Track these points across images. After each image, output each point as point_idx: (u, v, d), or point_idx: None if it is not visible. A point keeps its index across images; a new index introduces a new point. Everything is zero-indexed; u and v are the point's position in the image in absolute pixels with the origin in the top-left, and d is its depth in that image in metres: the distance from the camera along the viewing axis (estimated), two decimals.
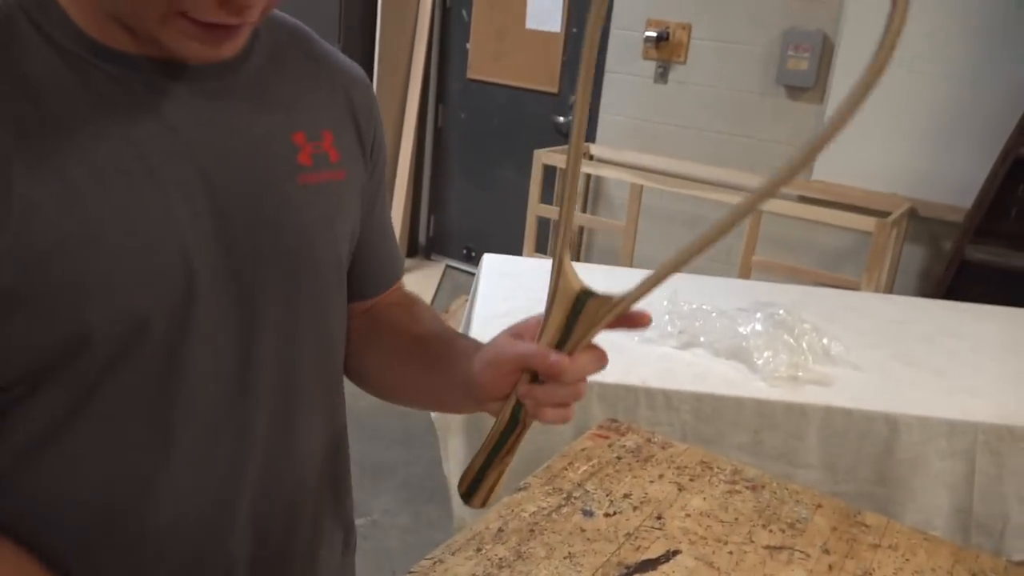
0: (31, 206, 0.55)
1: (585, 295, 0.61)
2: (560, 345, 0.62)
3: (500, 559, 0.91)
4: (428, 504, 2.50)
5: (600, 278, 0.70)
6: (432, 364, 0.76)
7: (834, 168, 3.21)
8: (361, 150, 0.75)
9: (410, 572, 0.88)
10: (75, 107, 0.58)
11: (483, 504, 0.70)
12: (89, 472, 0.62)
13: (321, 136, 0.70)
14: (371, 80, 3.46)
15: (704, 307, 1.78)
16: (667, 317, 1.74)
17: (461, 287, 4.15)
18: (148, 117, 0.60)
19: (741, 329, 1.68)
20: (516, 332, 0.66)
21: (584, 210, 3.84)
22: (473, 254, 4.33)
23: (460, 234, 4.44)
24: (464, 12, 4.10)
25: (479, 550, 0.92)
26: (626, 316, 0.61)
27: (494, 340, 0.68)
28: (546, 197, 3.58)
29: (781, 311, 1.74)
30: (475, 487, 0.70)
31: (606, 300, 0.61)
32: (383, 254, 0.84)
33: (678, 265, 0.58)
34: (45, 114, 0.56)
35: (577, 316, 0.61)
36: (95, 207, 0.57)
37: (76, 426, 0.61)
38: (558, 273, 0.62)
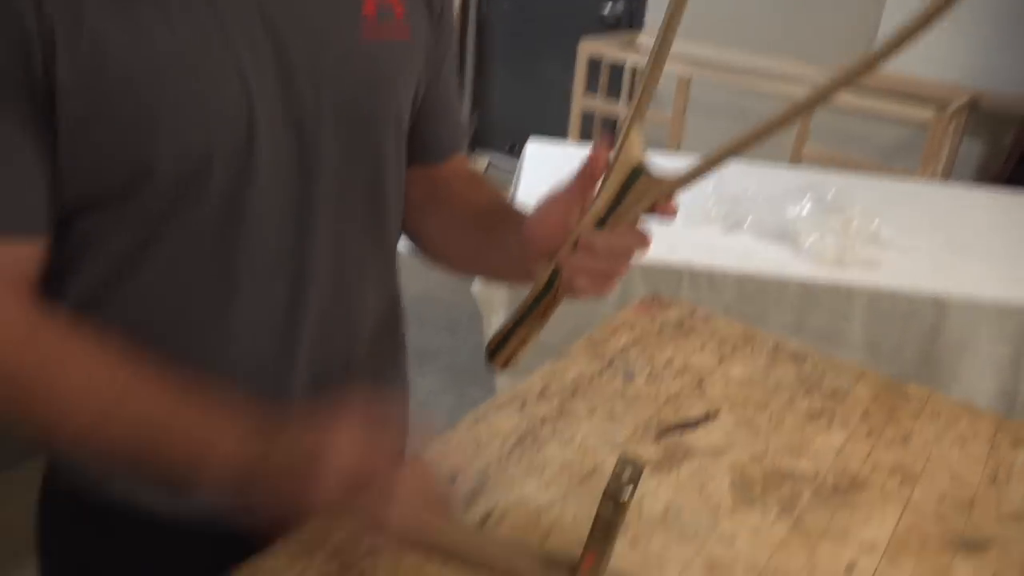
0: (102, 40, 0.56)
1: (640, 170, 0.60)
2: (606, 215, 0.62)
3: (543, 416, 0.93)
4: (472, 386, 2.57)
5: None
6: (489, 231, 0.76)
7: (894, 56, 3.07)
8: (428, 11, 0.74)
9: (454, 426, 0.91)
10: None
11: (505, 365, 0.72)
12: (159, 308, 0.66)
13: None
14: None
15: (750, 190, 1.75)
16: (712, 199, 1.72)
17: (505, 182, 4.13)
18: None
19: (788, 212, 1.66)
20: (562, 195, 0.66)
21: (630, 101, 3.75)
22: (516, 148, 4.29)
23: (503, 129, 4.38)
24: None
25: (522, 408, 0.95)
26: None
27: (545, 195, 0.68)
28: (591, 89, 3.51)
29: (831, 195, 1.71)
30: (501, 347, 0.71)
31: (657, 180, 0.60)
32: (447, 122, 0.84)
33: (731, 152, 0.57)
34: None
35: (628, 189, 0.61)
36: (162, 46, 0.58)
37: (145, 264, 0.64)
38: (622, 141, 0.61)
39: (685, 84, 3.19)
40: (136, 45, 0.57)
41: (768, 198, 1.73)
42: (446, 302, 2.85)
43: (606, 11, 3.78)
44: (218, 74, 0.60)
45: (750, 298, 1.52)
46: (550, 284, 0.66)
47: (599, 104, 3.55)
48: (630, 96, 3.76)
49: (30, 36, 0.55)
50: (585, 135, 3.60)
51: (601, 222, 0.62)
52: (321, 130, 0.67)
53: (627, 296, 1.50)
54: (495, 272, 0.83)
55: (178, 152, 0.60)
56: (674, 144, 3.28)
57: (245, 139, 0.62)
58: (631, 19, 3.73)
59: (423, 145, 0.82)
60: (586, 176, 0.64)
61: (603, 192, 0.62)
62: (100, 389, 0.60)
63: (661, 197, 0.60)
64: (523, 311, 0.69)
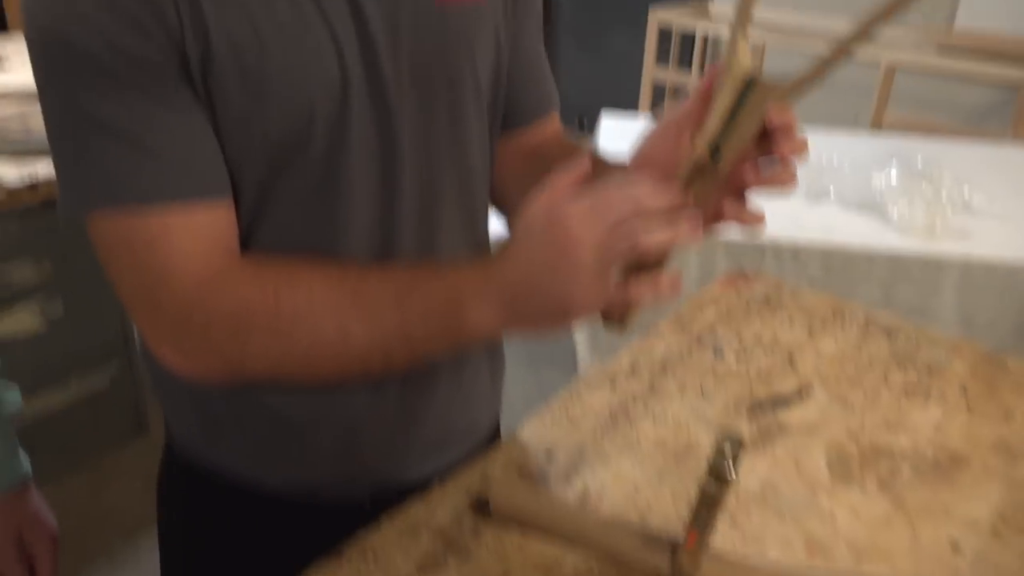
0: (213, 20, 0.59)
1: (753, 79, 0.57)
2: (721, 133, 0.58)
3: (634, 394, 0.94)
4: (549, 367, 2.58)
5: None
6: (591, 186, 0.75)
7: (978, 12, 2.94)
8: None
9: (548, 405, 0.92)
10: None
11: (621, 324, 0.69)
12: None
13: None
14: None
15: (834, 158, 1.70)
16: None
17: None
18: None
19: (874, 181, 1.61)
20: (669, 124, 0.64)
21: (702, 71, 3.68)
22: (585, 122, 4.26)
23: (572, 103, 4.35)
24: None
25: (613, 386, 0.95)
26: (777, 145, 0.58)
27: (646, 134, 0.66)
28: (661, 59, 3.45)
29: (919, 162, 1.65)
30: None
31: (772, 87, 0.57)
32: (534, 85, 0.83)
33: (848, 47, 0.54)
34: None
35: (743, 102, 0.57)
36: (263, 22, 0.60)
37: (254, 235, 0.67)
38: (730, 52, 0.58)
39: (760, 52, 3.11)
40: (241, 22, 0.60)
41: (852, 167, 1.68)
42: None
43: None
44: (315, 44, 0.63)
45: (836, 272, 1.49)
46: None
47: (670, 75, 3.49)
48: (702, 66, 3.69)
49: (165, 11, 0.57)
50: (656, 107, 3.55)
51: (715, 147, 0.58)
52: (402, 96, 0.68)
53: (710, 271, 1.49)
54: None
55: (286, 117, 0.63)
56: None
57: (340, 105, 0.64)
58: None
59: (511, 110, 0.82)
60: (698, 98, 0.61)
61: (715, 109, 0.58)
62: (334, 295, 0.62)
63: (777, 105, 0.57)
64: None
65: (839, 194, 1.63)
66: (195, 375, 0.66)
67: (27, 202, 1.57)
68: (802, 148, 0.58)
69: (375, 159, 0.68)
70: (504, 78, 0.77)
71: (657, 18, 3.32)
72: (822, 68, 0.55)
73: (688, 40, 3.60)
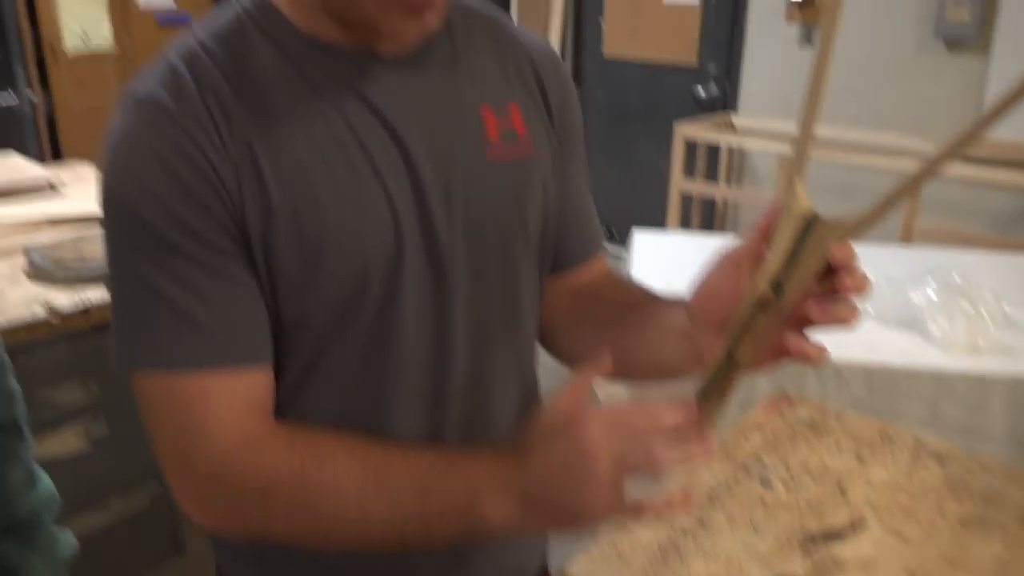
0: (273, 181, 0.63)
1: (813, 217, 0.59)
2: (782, 271, 0.59)
3: (683, 527, 0.93)
4: None
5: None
6: (646, 323, 0.75)
7: (1006, 120, 2.99)
8: (549, 122, 0.78)
9: (596, 538, 0.91)
10: (298, 97, 0.65)
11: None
12: (320, 420, 0.70)
13: (508, 110, 0.74)
14: None
15: (870, 276, 1.71)
16: None
17: None
18: (356, 100, 0.66)
19: (913, 297, 1.61)
20: (729, 260, 0.65)
21: (728, 182, 3.75)
22: (615, 233, 4.32)
23: (601, 214, 4.41)
24: None
25: (661, 518, 0.94)
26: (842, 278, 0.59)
27: (706, 270, 0.67)
28: (687, 172, 3.53)
29: (956, 277, 1.65)
30: None
31: (834, 225, 0.58)
32: (580, 226, 0.85)
33: (918, 182, 0.56)
34: (274, 102, 0.65)
35: (804, 240, 0.58)
36: (321, 182, 0.64)
37: (309, 383, 0.69)
38: (788, 193, 0.60)
39: (787, 162, 3.17)
40: (301, 185, 0.64)
41: (889, 283, 1.69)
42: None
43: (700, 94, 3.82)
44: (370, 202, 0.66)
45: (880, 391, 1.47)
46: (729, 358, 0.62)
47: (697, 187, 3.56)
48: (728, 178, 3.76)
49: (226, 179, 0.62)
50: (685, 218, 3.60)
51: (777, 284, 0.59)
52: (454, 249, 0.71)
53: (752, 394, 1.48)
54: (656, 369, 0.78)
55: (341, 276, 0.66)
56: None
57: (394, 259, 0.67)
58: (725, 101, 3.76)
59: (559, 253, 0.83)
60: (757, 235, 0.62)
61: (776, 247, 0.59)
62: (358, 475, 0.63)
63: (839, 244, 0.57)
64: (702, 391, 0.64)
65: (878, 311, 1.63)
66: (217, 532, 0.68)
67: (79, 326, 1.62)
68: (865, 285, 0.59)
69: (428, 311, 0.70)
70: (552, 223, 0.80)
71: (682, 132, 3.41)
72: (883, 207, 0.56)
73: (714, 152, 3.69)
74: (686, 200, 3.57)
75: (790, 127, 3.43)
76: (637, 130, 4.13)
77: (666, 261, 2.04)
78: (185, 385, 0.63)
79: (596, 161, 4.37)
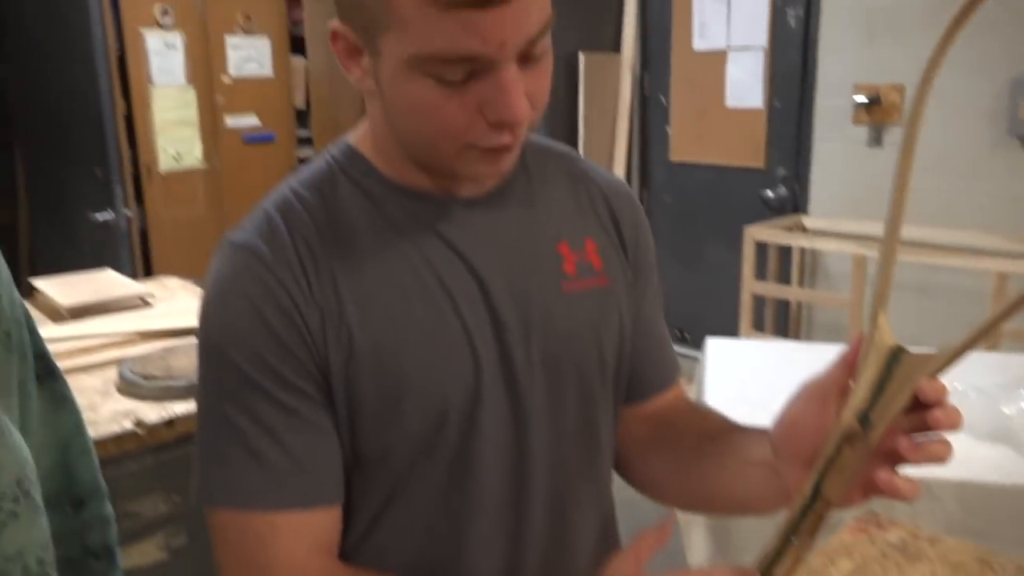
0: (357, 323, 0.67)
1: (900, 351, 0.58)
2: (870, 406, 0.58)
3: None
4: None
5: (824, 359, 0.66)
6: (725, 452, 0.75)
7: None
8: (623, 256, 0.80)
9: None
10: (383, 239, 0.69)
11: None
12: (398, 554, 0.71)
13: (584, 245, 0.76)
14: None
15: (956, 385, 1.65)
16: None
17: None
18: (438, 240, 0.70)
19: (1005, 409, 1.54)
20: (814, 391, 0.64)
21: (801, 284, 3.70)
22: (687, 335, 4.28)
23: (672, 315, 4.38)
24: (662, 97, 4.18)
25: None
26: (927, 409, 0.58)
27: (790, 400, 0.67)
28: (759, 274, 3.50)
29: None
30: (771, 572, 0.67)
31: (921, 359, 0.57)
32: (655, 356, 0.86)
33: (1006, 315, 0.55)
34: (360, 245, 0.68)
35: (891, 373, 0.58)
36: (405, 322, 0.67)
37: (387, 517, 0.71)
38: (872, 327, 0.60)
39: (861, 262, 3.12)
40: (384, 324, 0.66)
41: (978, 393, 1.62)
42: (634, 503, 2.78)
43: (769, 196, 3.83)
44: (451, 342, 0.68)
45: (976, 511, 1.40)
46: (815, 493, 0.61)
47: (769, 289, 3.52)
48: (801, 280, 3.71)
49: (312, 324, 0.65)
50: (757, 321, 3.55)
51: (864, 418, 0.58)
52: (531, 381, 0.72)
53: (838, 514, 1.42)
54: (737, 502, 0.77)
55: (421, 411, 0.67)
56: (854, 331, 3.17)
57: (473, 394, 0.69)
58: (795, 202, 3.75)
59: (635, 383, 0.84)
60: (842, 366, 0.62)
61: (862, 380, 0.59)
62: None
63: (927, 379, 0.57)
64: (790, 528, 0.62)
65: (968, 423, 1.56)
66: None
67: (163, 438, 1.67)
68: (956, 422, 0.57)
69: (506, 442, 0.71)
70: (627, 353, 0.81)
71: (752, 235, 3.41)
72: (973, 341, 0.55)
73: (785, 253, 3.66)
74: (759, 302, 3.53)
75: (862, 227, 3.40)
76: (706, 232, 4.14)
77: (740, 368, 2.01)
78: (254, 522, 0.66)
79: (665, 263, 4.38)
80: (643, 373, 0.85)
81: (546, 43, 0.64)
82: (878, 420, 0.58)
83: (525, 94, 0.63)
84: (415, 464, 0.69)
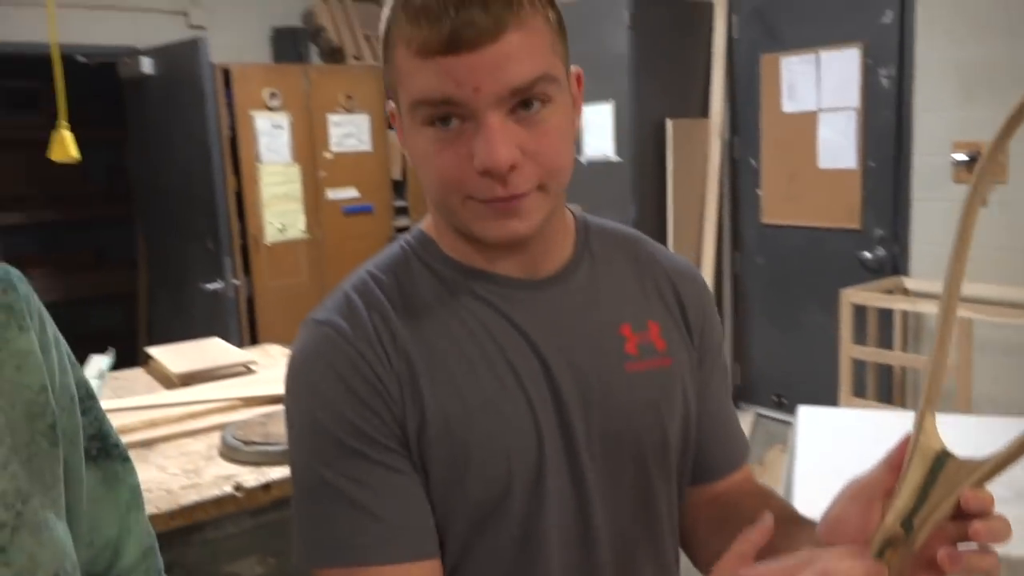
0: (428, 394, 0.71)
1: (945, 455, 0.58)
2: (914, 509, 0.58)
3: None
4: None
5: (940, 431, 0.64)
6: (779, 542, 0.74)
7: None
8: (688, 339, 0.82)
9: None
10: (451, 317, 0.73)
11: None
12: None
13: (647, 327, 0.79)
14: (666, 233, 3.55)
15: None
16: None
17: (774, 436, 3.98)
18: (503, 320, 0.73)
19: None
20: (859, 491, 0.64)
21: (904, 348, 3.56)
22: (784, 401, 4.17)
23: (768, 380, 4.30)
24: (752, 160, 4.17)
25: None
26: (971, 502, 0.57)
27: (836, 499, 0.67)
28: (857, 337, 3.39)
29: None
30: None
31: (968, 464, 0.57)
32: (721, 437, 0.87)
33: None
34: (431, 322, 0.73)
35: (935, 478, 0.57)
36: (471, 396, 0.70)
37: None
38: (918, 430, 0.60)
39: (966, 326, 2.99)
40: (452, 397, 0.70)
41: None
42: None
43: (866, 257, 3.73)
44: (514, 413, 0.71)
45: None
46: None
47: (869, 353, 3.41)
48: (904, 345, 3.58)
49: (390, 392, 0.69)
50: (858, 385, 3.43)
51: (908, 521, 0.57)
52: (593, 456, 0.74)
53: None
54: None
55: (486, 478, 0.70)
56: (963, 396, 3.02)
57: (536, 467, 0.71)
58: (894, 264, 3.64)
59: (700, 465, 0.85)
60: (887, 467, 0.61)
61: (906, 483, 0.58)
62: None
63: (980, 480, 0.56)
64: None
65: None
66: None
67: (261, 502, 1.74)
68: (1000, 534, 0.56)
69: (569, 515, 0.73)
70: (693, 434, 0.82)
71: (849, 298, 3.32)
72: (1017, 452, 0.55)
73: (886, 316, 3.54)
74: (859, 367, 3.42)
75: (967, 289, 3.26)
76: (801, 295, 4.06)
77: (832, 437, 1.95)
78: None
79: (759, 327, 4.30)
80: (709, 454, 0.85)
81: (545, 100, 0.68)
82: (921, 526, 0.57)
83: (522, 150, 0.67)
84: (480, 531, 0.71)
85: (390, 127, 4.48)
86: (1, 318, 0.62)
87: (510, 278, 0.75)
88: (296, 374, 0.73)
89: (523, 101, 0.67)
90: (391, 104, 0.74)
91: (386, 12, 0.70)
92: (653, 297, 0.81)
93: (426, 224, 0.79)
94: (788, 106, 3.94)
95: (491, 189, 0.67)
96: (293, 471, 0.73)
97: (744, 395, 4.43)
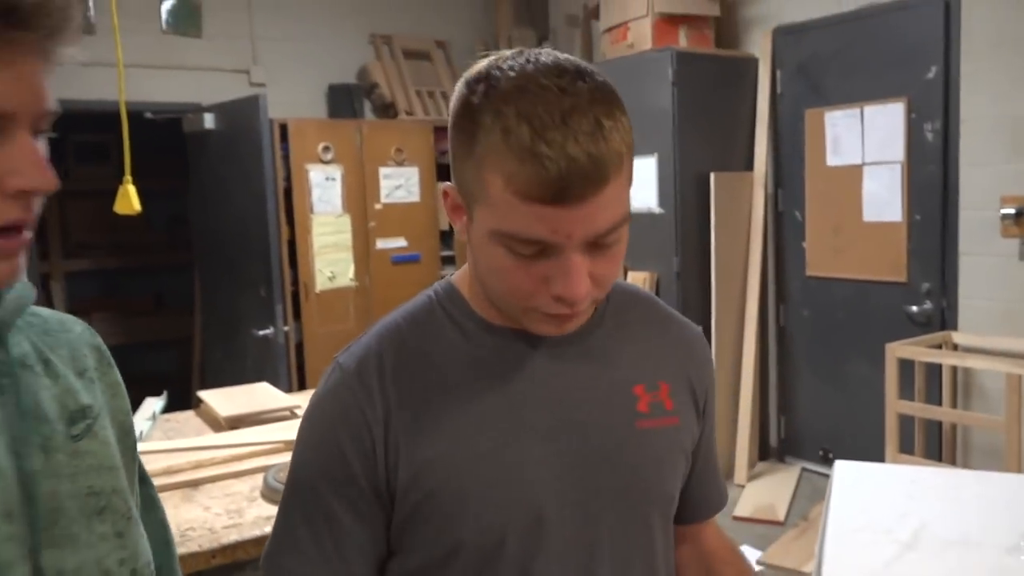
0: (431, 447, 0.76)
1: None
2: None
3: None
4: None
5: (980, 488, 0.64)
6: None
7: None
8: (694, 400, 0.86)
9: None
10: (466, 366, 0.78)
11: None
12: None
13: (658, 387, 0.83)
14: (709, 285, 3.56)
15: None
16: None
17: (820, 492, 3.91)
18: (517, 375, 0.78)
19: None
20: None
21: (954, 405, 3.49)
22: (831, 456, 4.09)
23: (814, 434, 4.24)
24: (797, 213, 4.17)
25: None
26: None
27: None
28: (905, 392, 3.34)
29: None
30: None
31: None
32: (707, 484, 0.92)
33: None
34: (446, 373, 0.78)
35: None
36: (475, 447, 0.75)
37: None
38: None
39: (1016, 382, 2.93)
40: (455, 449, 0.75)
41: None
42: None
43: (913, 310, 3.68)
44: (515, 465, 0.75)
45: None
46: None
47: (917, 409, 3.35)
48: (953, 400, 3.50)
49: (379, 446, 0.75)
50: (905, 441, 3.36)
51: None
52: (600, 507, 0.77)
53: None
54: None
55: (481, 532, 0.74)
56: (1013, 454, 2.95)
57: (535, 517, 0.75)
58: (942, 318, 3.59)
59: (688, 507, 0.90)
60: None
61: None
62: None
63: None
64: None
65: None
66: None
67: None
68: None
69: (571, 565, 0.77)
70: (686, 483, 0.86)
71: (895, 353, 3.28)
72: None
73: (934, 371, 3.48)
74: (906, 422, 3.36)
75: (1017, 344, 3.20)
76: (847, 348, 4.01)
77: (870, 494, 1.93)
78: None
79: (805, 380, 4.25)
80: (694, 498, 0.90)
81: (619, 234, 0.72)
82: None
83: (590, 275, 0.71)
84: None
85: (443, 178, 4.62)
86: (96, 355, 0.77)
87: (529, 336, 0.80)
88: (308, 409, 0.80)
89: (598, 240, 0.70)
90: (452, 190, 0.76)
91: (458, 89, 0.72)
92: (664, 358, 0.85)
93: (456, 278, 0.84)
94: (833, 160, 3.95)
95: (558, 308, 0.72)
96: (285, 486, 0.81)
97: (789, 449, 4.37)
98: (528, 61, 0.70)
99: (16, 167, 0.59)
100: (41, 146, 0.62)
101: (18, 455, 0.63)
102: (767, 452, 4.42)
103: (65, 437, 0.68)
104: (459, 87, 0.73)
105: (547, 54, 0.71)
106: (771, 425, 4.42)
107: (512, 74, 0.69)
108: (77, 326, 0.78)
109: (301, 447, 0.80)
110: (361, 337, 0.83)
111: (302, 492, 0.79)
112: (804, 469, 4.24)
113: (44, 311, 0.75)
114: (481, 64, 0.72)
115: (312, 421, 0.80)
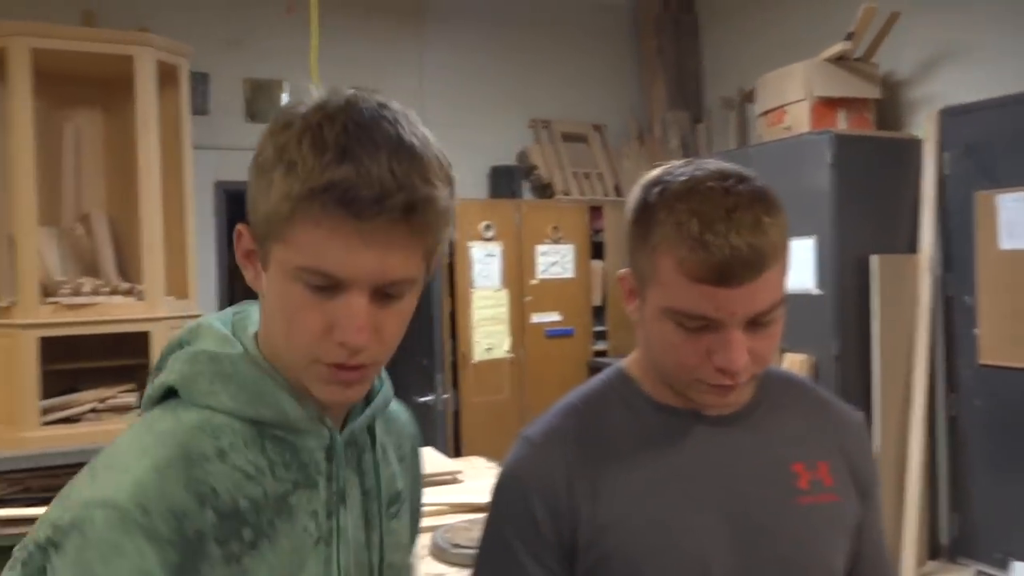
0: (610, 511, 0.84)
1: None
2: None
3: None
4: None
5: None
6: None
7: None
8: (854, 483, 0.90)
9: None
10: (637, 445, 0.87)
11: None
12: None
13: (818, 467, 0.88)
14: (869, 370, 3.44)
15: None
16: None
17: None
18: (683, 450, 0.86)
19: None
20: None
21: None
22: (1010, 559, 3.78)
23: (991, 535, 3.93)
24: (967, 298, 3.98)
25: None
26: None
27: None
28: None
29: None
30: None
31: None
32: (873, 571, 0.94)
33: None
34: (619, 450, 0.86)
35: None
36: (652, 513, 0.83)
37: None
38: None
39: None
40: (627, 515, 0.83)
41: None
42: None
43: None
44: (687, 533, 0.82)
45: None
46: None
47: None
48: None
49: (565, 509, 0.84)
50: None
51: None
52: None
53: None
54: None
55: None
56: None
57: None
58: None
59: None
60: None
61: None
62: None
63: None
64: None
65: None
66: None
67: None
68: None
69: None
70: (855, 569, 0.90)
71: None
72: None
73: None
74: None
75: None
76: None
77: None
78: None
79: (980, 476, 3.98)
80: None
81: (775, 315, 0.80)
82: None
83: (749, 351, 0.79)
84: None
85: (597, 256, 4.73)
86: (412, 444, 0.91)
87: (699, 415, 0.88)
88: (499, 481, 0.90)
89: (757, 318, 0.79)
90: (627, 276, 0.87)
91: (635, 192, 0.83)
92: (823, 439, 0.90)
93: (628, 363, 0.94)
94: (1007, 243, 3.77)
95: (721, 379, 0.80)
96: (480, 546, 0.90)
97: (963, 549, 4.07)
98: (697, 168, 0.81)
99: (338, 322, 0.68)
100: (375, 308, 0.70)
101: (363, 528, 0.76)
102: (937, 551, 4.13)
103: (386, 517, 0.80)
104: (635, 190, 0.85)
105: (713, 162, 0.82)
106: (942, 522, 4.14)
107: (683, 178, 0.80)
108: (403, 414, 0.91)
109: (496, 510, 0.89)
110: (543, 415, 0.93)
111: (498, 551, 0.87)
112: (979, 572, 3.94)
113: None
114: (655, 171, 0.84)
115: (505, 488, 0.89)
